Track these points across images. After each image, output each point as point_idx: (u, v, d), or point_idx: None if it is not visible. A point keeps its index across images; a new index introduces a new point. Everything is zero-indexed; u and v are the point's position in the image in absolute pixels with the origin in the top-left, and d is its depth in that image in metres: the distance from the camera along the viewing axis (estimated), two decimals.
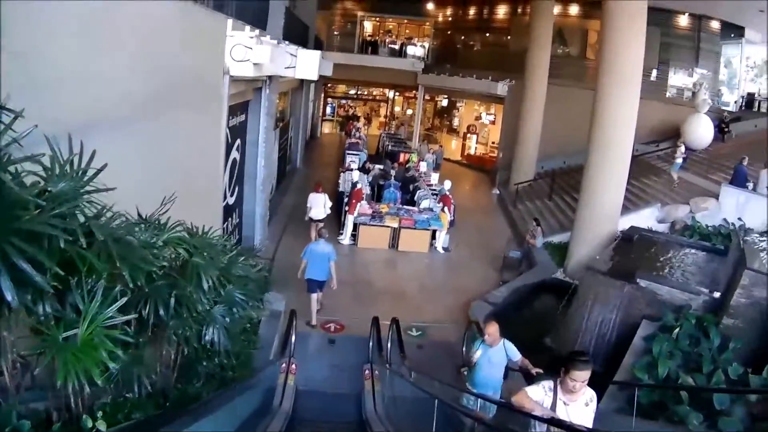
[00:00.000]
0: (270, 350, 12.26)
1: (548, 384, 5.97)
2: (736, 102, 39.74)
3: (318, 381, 11.92)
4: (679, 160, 24.69)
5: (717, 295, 12.91)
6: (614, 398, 9.81)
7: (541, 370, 8.77)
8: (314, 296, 14.76)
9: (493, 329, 9.04)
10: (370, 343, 12.63)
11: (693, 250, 17.02)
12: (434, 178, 26.71)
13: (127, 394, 5.84)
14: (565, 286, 17.06)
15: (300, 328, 13.18)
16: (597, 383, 6.03)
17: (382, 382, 11.31)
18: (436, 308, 16.50)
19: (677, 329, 11.34)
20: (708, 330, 11.18)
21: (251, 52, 11.23)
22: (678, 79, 35.79)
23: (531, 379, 8.76)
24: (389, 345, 12.11)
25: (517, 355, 9.11)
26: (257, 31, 12.06)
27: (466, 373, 9.91)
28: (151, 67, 7.75)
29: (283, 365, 11.20)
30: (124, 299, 4.70)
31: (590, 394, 6.04)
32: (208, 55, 10.70)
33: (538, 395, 5.98)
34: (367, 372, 11.84)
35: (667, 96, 34.63)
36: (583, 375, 5.75)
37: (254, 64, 11.49)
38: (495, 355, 9.07)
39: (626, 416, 8.95)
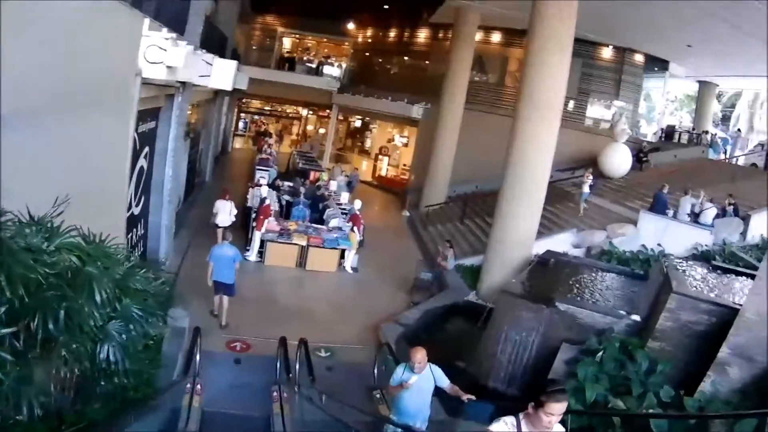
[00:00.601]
0: (174, 369, 11.64)
1: (511, 420, 5.24)
2: (655, 133, 40.79)
3: (225, 402, 11.36)
4: (587, 189, 24.93)
5: (638, 318, 12.91)
6: None
7: (473, 397, 8.41)
8: (218, 297, 14.93)
9: (420, 355, 8.47)
10: (278, 364, 12.15)
11: (612, 275, 17.18)
12: (344, 197, 26.42)
13: (18, 416, 5.26)
14: (479, 309, 16.87)
15: (205, 346, 12.55)
16: (517, 409, 5.60)
17: (291, 405, 10.88)
18: (346, 329, 16.09)
19: (601, 353, 11.20)
20: (633, 353, 11.08)
21: (165, 54, 10.66)
22: (597, 109, 36.37)
23: (461, 406, 8.50)
24: (297, 366, 11.68)
25: (445, 381, 8.66)
26: (174, 35, 11.49)
27: (379, 396, 9.49)
28: (61, 62, 7.22)
29: (188, 386, 10.65)
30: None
31: (560, 429, 5.38)
32: (121, 54, 10.11)
33: None
34: (275, 394, 11.39)
35: (585, 125, 35.18)
36: (561, 408, 5.02)
37: (168, 67, 10.91)
38: (423, 381, 8.53)
39: None
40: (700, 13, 23.99)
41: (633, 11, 25.44)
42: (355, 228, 21.35)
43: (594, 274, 16.97)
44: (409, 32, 41.86)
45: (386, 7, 40.10)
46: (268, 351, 13.17)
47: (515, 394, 12.80)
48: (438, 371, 8.66)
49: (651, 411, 9.40)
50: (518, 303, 13.87)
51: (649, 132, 41.29)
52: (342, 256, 21.06)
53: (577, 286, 15.71)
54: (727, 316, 10.73)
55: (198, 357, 11.47)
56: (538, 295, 14.25)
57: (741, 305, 10.61)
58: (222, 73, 16.36)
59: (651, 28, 28.75)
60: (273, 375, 12.16)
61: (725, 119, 54.27)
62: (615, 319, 13.05)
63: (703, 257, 18.97)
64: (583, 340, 12.33)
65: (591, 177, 25.54)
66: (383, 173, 42.28)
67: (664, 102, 44.48)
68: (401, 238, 27.57)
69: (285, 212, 23.41)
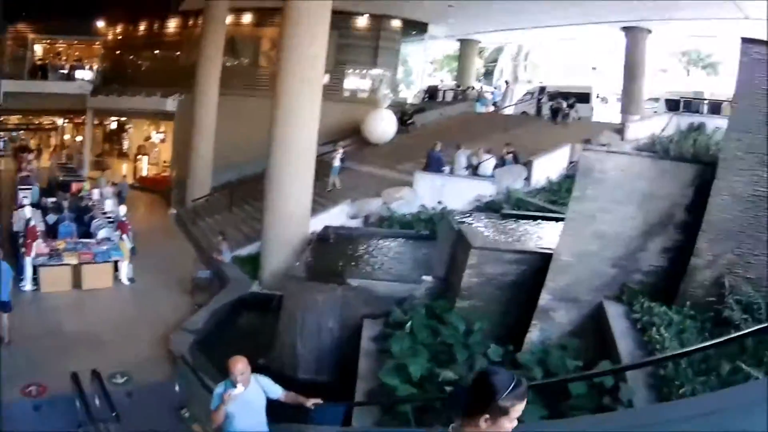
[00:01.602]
0: None
1: None
2: (416, 95, 41.47)
3: None
4: (337, 164, 24.72)
5: (436, 280, 12.58)
6: (369, 413, 9.12)
7: (319, 401, 7.43)
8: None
9: (242, 365, 6.90)
10: (77, 404, 10.89)
11: (398, 240, 16.98)
12: (108, 204, 24.87)
13: None
14: (267, 299, 16.21)
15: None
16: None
17: None
18: (136, 348, 14.83)
19: (409, 323, 10.73)
20: (443, 317, 10.75)
21: None
22: (356, 79, 36.57)
23: (306, 414, 7.57)
24: (97, 402, 10.63)
25: (278, 390, 7.34)
26: None
27: (187, 415, 8.38)
28: None
29: None
30: None
31: None
32: None
33: None
34: None
35: (345, 96, 35.28)
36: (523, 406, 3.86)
37: None
38: (252, 397, 7.07)
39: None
40: None
41: None
42: (124, 236, 20.05)
43: (379, 243, 16.70)
44: (160, 24, 40.35)
45: None
46: (66, 388, 11.72)
47: (327, 381, 12.14)
48: (266, 381, 7.30)
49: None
50: (307, 286, 13.30)
51: (410, 95, 42.14)
52: (116, 268, 19.58)
53: (365, 258, 15.40)
54: (536, 261, 10.67)
55: None
56: (326, 274, 13.77)
57: (547, 249, 10.67)
58: None
59: None
60: (75, 418, 10.96)
61: (488, 74, 56.34)
62: (413, 285, 12.65)
63: (488, 208, 19.12)
64: (385, 312, 11.84)
65: (341, 151, 25.49)
66: (144, 173, 40.83)
67: (423, 64, 45.36)
68: (173, 238, 26.27)
69: (52, 231, 21.38)
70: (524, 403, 3.46)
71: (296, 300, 13.28)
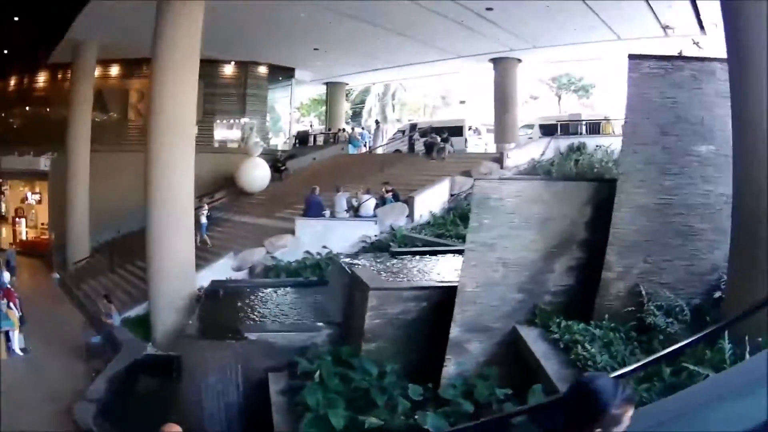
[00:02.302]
0: None
1: None
2: (286, 142, 41.58)
3: None
4: (204, 221, 24.41)
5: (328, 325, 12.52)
6: None
7: None
8: None
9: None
10: None
11: (287, 289, 16.52)
12: None
13: None
14: (164, 360, 15.29)
15: None
16: None
17: None
18: (42, 423, 13.68)
19: (317, 372, 10.33)
20: (351, 363, 10.49)
21: None
22: (225, 128, 36.57)
23: None
24: None
25: None
26: None
27: None
28: None
29: None
30: None
31: None
32: None
33: None
34: None
35: (215, 146, 35.19)
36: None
37: None
38: None
39: None
40: (328, 16, 24.76)
41: (255, 23, 25.51)
42: (11, 304, 18.97)
43: (269, 293, 16.23)
44: (29, 78, 38.97)
45: (4, 51, 36.37)
46: None
47: None
48: None
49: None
50: (203, 345, 12.77)
51: (279, 142, 42.43)
52: (7, 338, 18.31)
53: (258, 310, 14.85)
54: (437, 296, 10.63)
55: None
56: (221, 330, 13.33)
57: (446, 282, 10.77)
58: None
59: (275, 36, 29.35)
60: None
61: (356, 115, 56.79)
62: (312, 333, 12.40)
63: (375, 248, 19.06)
64: (289, 363, 11.41)
65: (207, 207, 25.30)
66: (24, 237, 39.23)
67: (290, 110, 45.41)
68: (59, 303, 25.02)
69: None
70: (633, 407, 3.21)
71: (194, 360, 12.64)
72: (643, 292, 8.95)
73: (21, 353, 18.25)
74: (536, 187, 10.10)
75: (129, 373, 15.52)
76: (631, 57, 9.54)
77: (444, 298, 10.26)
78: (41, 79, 38.35)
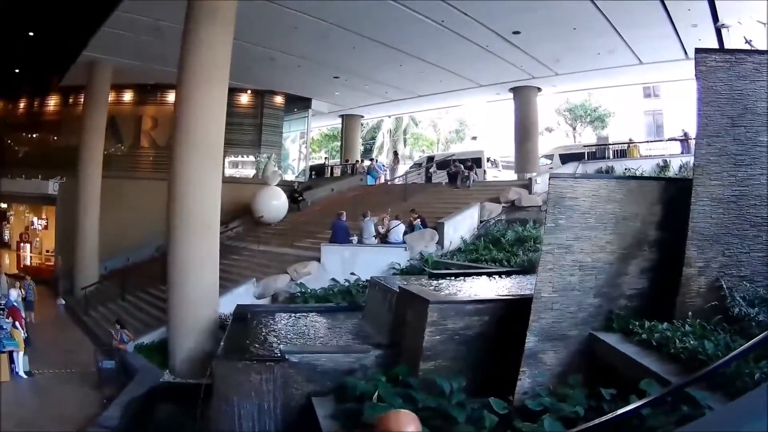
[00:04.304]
0: None
1: None
2: (300, 174, 41.56)
3: None
4: None
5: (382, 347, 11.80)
6: None
7: None
8: None
9: None
10: None
11: (322, 314, 15.89)
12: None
13: None
14: (184, 388, 15.09)
15: None
16: None
17: None
18: None
19: (376, 393, 9.62)
20: (409, 382, 9.87)
21: None
22: (241, 157, 36.60)
23: None
24: None
25: None
26: None
27: None
28: None
29: None
30: None
31: None
32: None
33: None
34: None
35: (230, 176, 34.71)
36: None
37: None
38: None
39: None
40: (354, 40, 25.17)
41: (275, 47, 26.09)
42: (17, 323, 18.33)
43: (302, 318, 15.66)
44: (39, 101, 38.63)
45: (17, 71, 35.52)
46: None
47: None
48: None
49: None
50: (241, 367, 11.87)
51: (298, 171, 42.27)
52: (11, 360, 17.56)
53: (294, 333, 14.26)
54: (499, 310, 10.25)
55: None
56: (258, 353, 12.59)
57: (506, 296, 10.76)
58: None
59: (294, 63, 29.36)
60: None
61: (367, 152, 56.65)
62: (360, 354, 11.69)
63: (407, 274, 18.25)
64: (334, 388, 10.85)
65: None
66: (28, 263, 38.86)
67: (306, 141, 45.40)
68: (66, 329, 24.62)
69: None
70: None
71: (228, 385, 11.82)
72: (724, 286, 8.82)
73: (26, 376, 17.60)
74: (610, 185, 9.76)
75: (146, 400, 15.09)
76: (698, 51, 9.59)
77: (506, 312, 9.96)
78: (52, 102, 38.07)
